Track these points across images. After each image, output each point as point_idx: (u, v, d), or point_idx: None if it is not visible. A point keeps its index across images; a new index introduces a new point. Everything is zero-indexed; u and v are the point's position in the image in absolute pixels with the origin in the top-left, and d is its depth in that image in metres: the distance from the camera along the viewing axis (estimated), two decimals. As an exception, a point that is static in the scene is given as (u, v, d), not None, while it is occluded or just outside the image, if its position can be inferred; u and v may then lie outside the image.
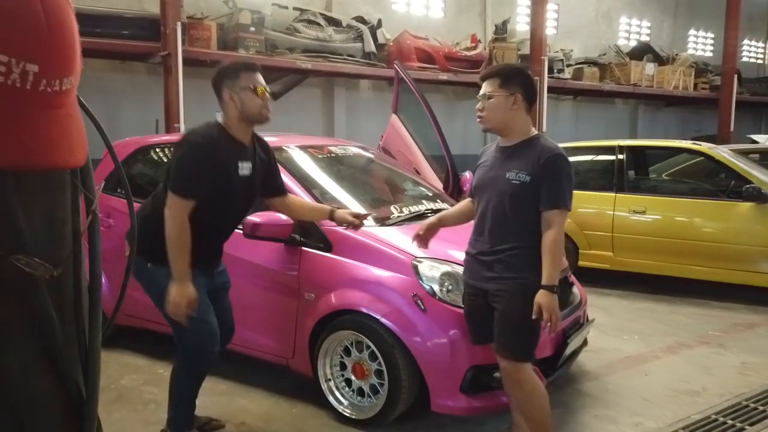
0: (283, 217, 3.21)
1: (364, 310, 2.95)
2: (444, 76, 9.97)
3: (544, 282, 2.46)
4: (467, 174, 4.76)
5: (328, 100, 9.96)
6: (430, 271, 2.98)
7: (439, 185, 4.75)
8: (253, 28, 8.32)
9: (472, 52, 10.43)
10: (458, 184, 4.71)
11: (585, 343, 3.69)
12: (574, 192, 5.61)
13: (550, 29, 12.89)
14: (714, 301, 5.30)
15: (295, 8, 9.25)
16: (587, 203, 5.87)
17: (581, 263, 5.91)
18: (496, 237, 2.53)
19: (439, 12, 11.46)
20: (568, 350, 3.20)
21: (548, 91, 11.37)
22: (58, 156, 0.79)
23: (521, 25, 12.51)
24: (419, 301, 2.88)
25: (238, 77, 2.53)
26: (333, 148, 4.12)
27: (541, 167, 2.44)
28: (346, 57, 9.17)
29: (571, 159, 6.06)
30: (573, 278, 3.80)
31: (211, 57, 7.94)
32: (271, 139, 3.99)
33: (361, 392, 3.08)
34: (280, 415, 3.21)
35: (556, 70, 11.58)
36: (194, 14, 8.22)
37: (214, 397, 3.38)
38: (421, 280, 2.94)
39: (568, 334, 3.22)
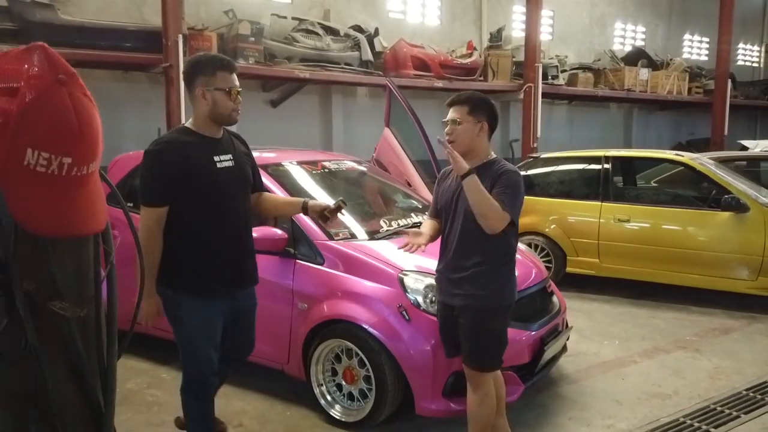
0: (279, 231, 3.44)
1: (353, 320, 3.16)
2: (439, 84, 10.18)
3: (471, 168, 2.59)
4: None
5: (325, 108, 10.18)
6: (415, 284, 3.19)
7: (429, 196, 4.95)
8: (252, 38, 8.54)
9: (467, 60, 10.65)
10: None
11: (565, 348, 3.91)
12: (562, 201, 5.97)
13: (545, 35, 13.11)
14: (693, 306, 5.52)
15: (293, 18, 9.46)
16: (574, 211, 6.09)
17: (569, 269, 6.13)
18: (463, 255, 2.69)
19: (435, 20, 11.68)
20: (546, 357, 3.41)
21: (543, 97, 11.59)
22: (87, 224, 1.01)
23: (517, 32, 12.71)
24: (404, 312, 3.10)
25: (214, 75, 2.49)
26: (327, 163, 4.33)
27: (498, 179, 2.62)
28: (344, 65, 9.38)
29: (559, 168, 6.38)
30: (553, 286, 4.02)
31: (211, 68, 8.16)
32: (267, 155, 4.25)
33: (351, 396, 3.30)
34: (275, 416, 3.43)
35: (550, 77, 11.80)
36: (195, 25, 8.44)
37: (215, 399, 3.59)
38: (407, 291, 3.16)
39: (546, 341, 3.43)
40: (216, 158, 2.55)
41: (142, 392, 3.74)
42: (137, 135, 8.05)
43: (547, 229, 6.17)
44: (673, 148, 13.08)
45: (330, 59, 9.25)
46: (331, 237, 3.50)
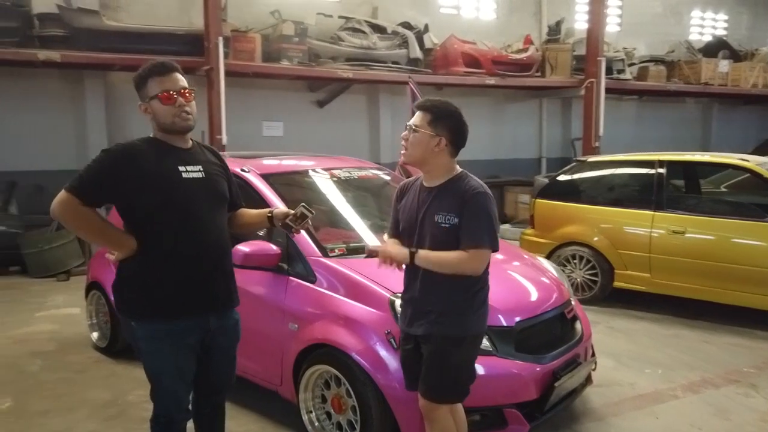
0: (273, 246, 3.25)
1: (339, 346, 2.92)
2: (491, 81, 9.75)
3: (412, 249, 2.41)
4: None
5: (373, 107, 9.98)
6: (405, 308, 2.91)
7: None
8: (296, 39, 8.45)
9: (523, 55, 10.13)
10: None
11: (588, 380, 3.51)
12: (610, 209, 5.46)
13: (611, 26, 12.33)
14: (756, 330, 4.89)
15: (340, 17, 9.31)
16: (623, 221, 5.56)
17: (616, 284, 5.62)
18: (431, 284, 2.41)
19: (491, 14, 11.19)
20: (559, 393, 3.04)
21: (607, 92, 10.88)
22: None
23: (580, 24, 12.00)
24: (392, 339, 2.82)
25: (145, 86, 2.28)
26: (338, 171, 4.09)
27: (466, 203, 2.35)
28: (390, 64, 9.14)
29: (608, 173, 5.85)
30: (578, 309, 3.61)
31: (252, 69, 8.15)
32: (269, 163, 4.08)
33: (339, 426, 3.07)
34: (264, 442, 3.25)
35: (615, 71, 11.04)
36: (240, 27, 8.44)
37: (208, 419, 3.46)
38: (396, 316, 2.88)
39: (559, 375, 3.05)
40: (181, 167, 2.31)
41: (140, 406, 3.64)
42: (184, 137, 8.17)
43: (593, 240, 5.68)
44: (758, 148, 11.96)
45: (376, 58, 9.04)
46: (326, 253, 3.27)
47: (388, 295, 2.94)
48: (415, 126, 2.40)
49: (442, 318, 2.41)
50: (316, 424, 3.14)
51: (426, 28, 9.83)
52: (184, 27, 7.98)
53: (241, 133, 8.49)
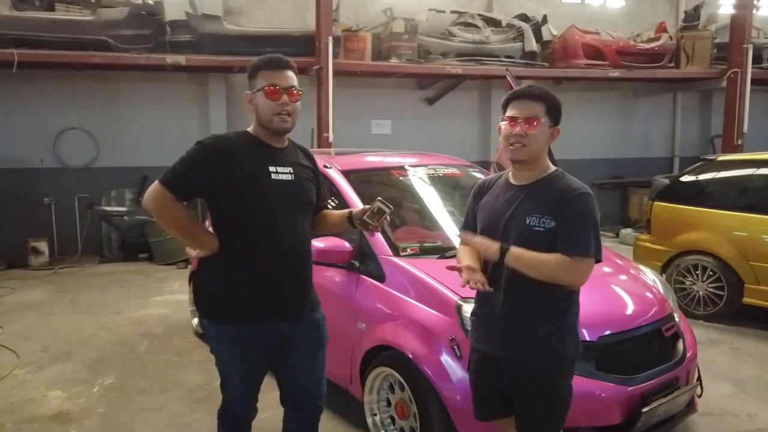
0: (346, 243, 3.22)
1: (402, 349, 2.81)
2: (615, 73, 9.06)
3: (504, 245, 2.11)
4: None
5: (484, 104, 9.68)
6: (473, 313, 2.73)
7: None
8: (406, 36, 8.42)
9: (653, 44, 9.29)
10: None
11: (691, 407, 3.08)
12: (742, 215, 4.82)
13: (766, 10, 10.95)
14: None
15: (452, 11, 9.13)
16: (757, 228, 4.87)
17: (746, 300, 4.94)
18: (518, 298, 2.13)
19: (619, 1, 10.39)
20: (647, 419, 2.69)
21: (756, 84, 9.69)
22: None
23: (726, 8, 10.77)
24: (456, 347, 2.66)
25: (255, 76, 2.20)
26: (421, 169, 3.96)
27: (567, 206, 2.07)
28: (504, 58, 8.81)
29: (740, 174, 5.16)
30: (683, 325, 3.20)
31: (361, 68, 8.24)
32: (344, 159, 4.04)
33: (402, 431, 2.96)
34: (331, 441, 3.22)
35: (766, 59, 9.79)
36: (352, 27, 8.57)
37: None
38: (463, 322, 2.70)
39: (649, 399, 2.71)
40: (272, 168, 2.20)
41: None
42: (298, 135, 8.44)
43: (719, 249, 5.04)
44: None
45: (488, 52, 8.77)
46: (398, 252, 3.17)
47: (455, 298, 2.77)
48: (536, 118, 2.11)
49: (539, 338, 2.13)
50: (380, 427, 3.05)
51: (544, 20, 9.35)
52: (299, 29, 8.24)
53: (351, 131, 8.63)
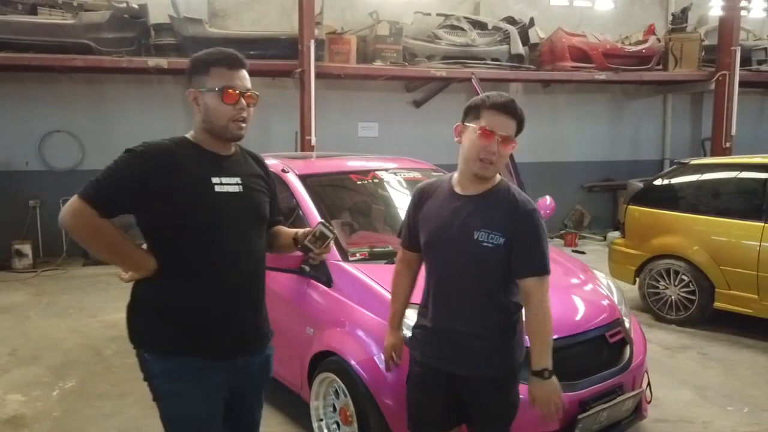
0: (296, 248, 3.21)
1: (342, 355, 2.81)
2: (602, 76, 9.02)
3: (535, 367, 2.08)
4: (547, 199, 4.23)
5: (472, 106, 9.64)
6: (413, 318, 2.71)
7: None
8: (390, 39, 8.42)
9: (641, 47, 9.25)
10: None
11: (638, 413, 3.05)
12: (713, 219, 4.79)
13: (758, 11, 10.89)
14: None
15: (438, 14, 9.13)
16: (727, 233, 4.85)
17: (717, 305, 4.91)
18: (475, 311, 2.09)
19: (608, 3, 10.34)
20: (586, 425, 2.68)
21: (746, 86, 9.66)
22: None
23: (716, 9, 10.72)
24: (394, 353, 2.65)
25: (207, 73, 1.89)
26: (382, 173, 3.95)
27: (520, 225, 2.05)
28: (490, 61, 8.80)
29: (713, 177, 5.12)
30: (634, 331, 3.18)
31: (344, 70, 8.24)
32: (314, 163, 4.03)
33: (347, 438, 2.95)
34: (280, 446, 3.22)
35: (755, 62, 9.75)
36: (338, 29, 8.58)
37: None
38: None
39: (588, 405, 2.69)
40: (215, 179, 1.91)
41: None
42: (284, 138, 8.48)
43: (690, 254, 5.01)
44: None
45: (475, 55, 8.76)
46: (347, 257, 3.17)
47: (396, 304, 2.77)
48: (511, 137, 2.02)
49: (497, 352, 2.11)
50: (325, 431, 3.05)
51: (531, 22, 9.33)
52: (282, 31, 8.25)
53: (338, 134, 8.63)
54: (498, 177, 2.16)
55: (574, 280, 3.34)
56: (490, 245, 2.03)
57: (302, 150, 7.68)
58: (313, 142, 7.64)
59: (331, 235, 2.11)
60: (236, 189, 1.96)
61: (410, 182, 4.07)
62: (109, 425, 3.44)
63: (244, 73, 1.94)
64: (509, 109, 2.02)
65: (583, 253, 8.39)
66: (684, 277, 5.05)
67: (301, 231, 2.21)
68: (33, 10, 7.21)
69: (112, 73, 7.89)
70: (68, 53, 7.06)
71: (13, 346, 4.72)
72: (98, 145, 8.18)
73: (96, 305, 5.89)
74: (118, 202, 1.85)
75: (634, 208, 5.52)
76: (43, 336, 4.96)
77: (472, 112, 2.07)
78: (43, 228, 7.99)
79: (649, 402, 3.16)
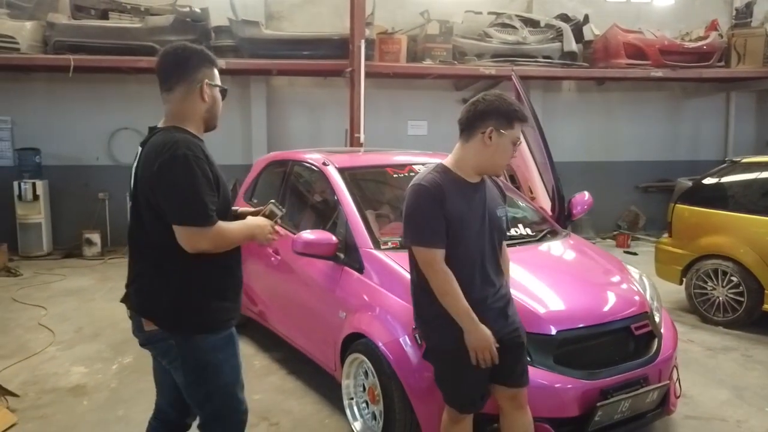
0: (332, 237, 3.39)
1: (371, 337, 2.95)
2: (658, 73, 8.79)
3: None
4: (585, 195, 4.25)
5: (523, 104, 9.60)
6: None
7: (548, 206, 4.34)
8: (440, 38, 8.51)
9: (701, 43, 8.97)
10: (564, 207, 4.23)
11: (665, 407, 3.04)
12: (763, 218, 4.65)
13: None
14: None
15: (490, 13, 9.14)
16: (779, 233, 4.70)
17: (766, 307, 4.76)
18: (498, 278, 2.43)
19: (668, -1, 10.08)
20: (606, 414, 2.71)
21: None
22: None
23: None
24: (417, 335, 2.77)
25: (211, 69, 2.13)
26: (418, 167, 4.07)
27: (504, 196, 2.56)
28: (541, 59, 8.75)
29: (764, 175, 4.94)
30: (665, 325, 3.18)
31: (393, 69, 8.39)
32: (353, 157, 4.19)
33: (374, 416, 3.09)
34: (313, 423, 3.40)
35: (826, 57, 9.25)
36: (389, 29, 8.74)
37: (277, 394, 3.74)
38: (426, 312, 2.82)
39: (609, 394, 2.73)
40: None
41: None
42: (333, 135, 8.73)
43: (739, 254, 4.87)
44: None
45: (525, 53, 8.73)
46: (378, 246, 3.31)
47: (422, 289, 2.89)
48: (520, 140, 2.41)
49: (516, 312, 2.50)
50: (355, 410, 3.21)
51: (586, 19, 9.20)
52: (334, 32, 8.47)
53: (388, 133, 8.81)
54: None
55: (604, 274, 3.36)
56: (504, 218, 2.47)
57: (351, 146, 7.87)
58: (362, 139, 7.82)
59: (279, 212, 2.28)
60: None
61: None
62: (158, 397, 3.71)
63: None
64: (524, 118, 2.38)
65: (635, 254, 8.22)
66: (733, 278, 4.91)
67: (242, 209, 2.39)
68: (104, 15, 7.73)
69: (174, 73, 8.32)
70: (135, 55, 7.52)
71: (78, 325, 5.12)
72: (161, 142, 8.67)
73: (155, 291, 6.26)
74: (213, 203, 1.98)
75: (682, 207, 5.40)
76: (105, 317, 5.35)
77: (503, 118, 2.29)
78: (111, 219, 8.53)
79: (678, 397, 3.14)
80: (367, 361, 3.00)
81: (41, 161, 8.16)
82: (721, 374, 4.07)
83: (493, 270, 2.39)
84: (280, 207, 2.30)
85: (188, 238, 1.94)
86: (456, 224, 2.26)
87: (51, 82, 8.26)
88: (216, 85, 2.14)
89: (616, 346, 2.93)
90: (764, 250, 4.73)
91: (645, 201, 10.11)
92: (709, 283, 5.10)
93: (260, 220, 2.21)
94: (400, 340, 2.82)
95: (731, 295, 4.95)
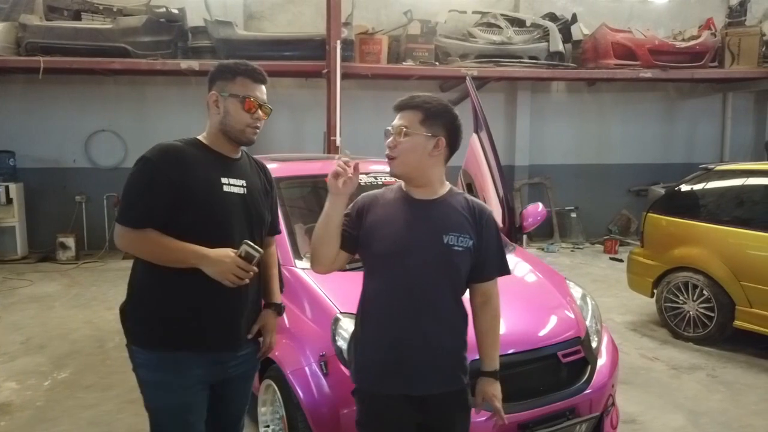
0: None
1: (279, 363, 2.77)
2: (647, 73, 8.52)
3: (489, 368, 2.07)
4: (539, 206, 4.05)
5: (510, 106, 9.39)
6: (349, 329, 2.64)
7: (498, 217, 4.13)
8: (422, 38, 8.31)
9: (692, 42, 8.67)
10: (514, 219, 4.02)
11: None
12: (735, 230, 4.43)
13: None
14: None
15: (474, 12, 8.92)
16: (750, 246, 4.44)
17: (737, 323, 4.52)
18: (441, 324, 1.94)
19: (663, -4, 9.78)
20: (524, 451, 2.52)
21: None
22: None
23: (788, 1, 9.89)
24: (323, 363, 2.59)
25: (233, 80, 2.02)
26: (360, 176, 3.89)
27: (484, 228, 1.98)
28: (527, 59, 8.51)
29: (738, 185, 4.71)
30: (609, 348, 2.98)
31: (372, 71, 8.20)
32: (293, 166, 4.01)
33: (290, 446, 2.92)
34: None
35: (826, 57, 8.92)
36: (370, 29, 8.54)
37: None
38: (335, 337, 2.64)
39: (529, 428, 2.53)
40: (224, 179, 2.02)
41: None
42: (315, 137, 8.56)
43: (710, 267, 4.63)
44: None
45: (511, 53, 8.50)
46: (300, 259, 3.14)
47: (336, 311, 2.71)
48: (406, 128, 1.93)
49: (464, 362, 2.02)
50: (271, 438, 3.04)
51: (574, 18, 8.96)
52: (313, 33, 8.29)
53: (370, 135, 8.60)
54: (448, 184, 2.05)
55: (538, 294, 3.15)
56: (460, 249, 1.93)
57: (328, 151, 7.70)
58: (338, 142, 7.64)
59: (257, 254, 1.94)
60: (241, 191, 2.07)
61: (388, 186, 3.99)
62: (83, 417, 3.56)
63: (264, 88, 2.09)
64: (400, 107, 2.04)
65: (621, 260, 7.96)
66: (704, 292, 4.67)
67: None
68: (77, 16, 7.63)
69: (149, 75, 8.22)
70: (108, 56, 7.41)
71: (28, 335, 5.01)
72: (141, 144, 8.49)
73: (118, 298, 6.10)
74: (152, 212, 1.92)
75: (654, 216, 5.16)
76: (58, 326, 5.23)
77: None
78: (88, 222, 8.46)
79: (615, 428, 2.93)
80: (277, 389, 2.83)
81: (16, 164, 8.09)
82: (681, 397, 3.84)
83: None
84: (255, 248, 1.94)
85: (115, 233, 2.01)
86: None
87: (27, 84, 8.19)
88: (233, 95, 2.01)
89: (542, 374, 2.73)
90: (736, 264, 4.48)
91: (638, 205, 9.81)
92: (680, 297, 4.86)
93: (225, 257, 1.90)
94: (308, 368, 2.64)
95: (702, 310, 4.71)
